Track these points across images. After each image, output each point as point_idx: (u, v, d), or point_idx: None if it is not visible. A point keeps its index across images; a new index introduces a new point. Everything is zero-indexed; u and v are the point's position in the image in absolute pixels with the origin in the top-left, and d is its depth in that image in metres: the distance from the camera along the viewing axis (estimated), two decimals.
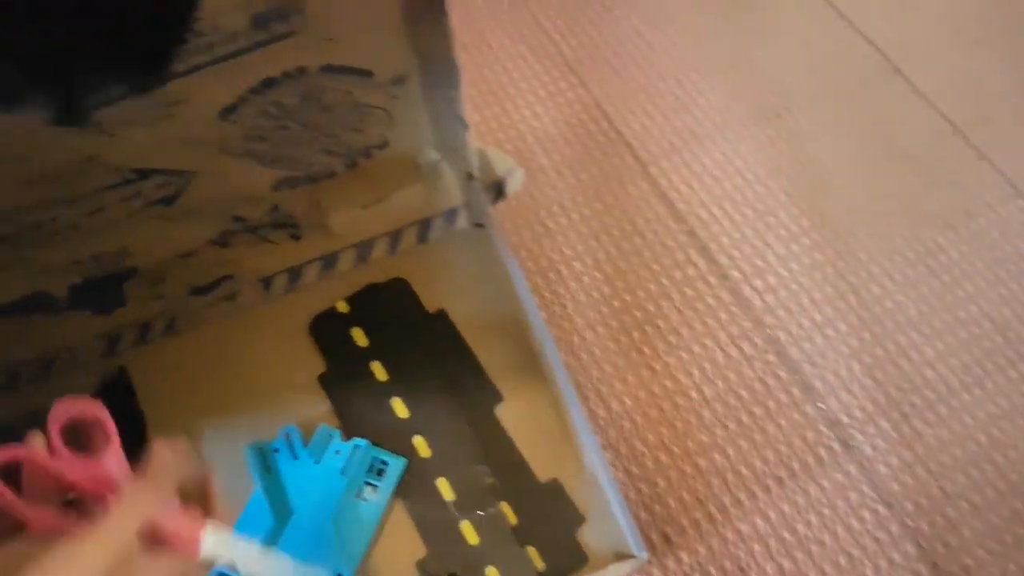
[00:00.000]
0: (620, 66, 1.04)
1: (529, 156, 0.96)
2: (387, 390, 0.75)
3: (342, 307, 0.80)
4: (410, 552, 0.68)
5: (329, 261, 0.84)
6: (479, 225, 0.81)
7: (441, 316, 0.79)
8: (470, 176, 0.78)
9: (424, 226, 0.85)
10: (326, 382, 0.76)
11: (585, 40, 1.08)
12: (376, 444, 0.72)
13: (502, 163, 0.80)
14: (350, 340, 0.78)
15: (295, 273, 0.84)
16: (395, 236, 0.85)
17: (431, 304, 0.80)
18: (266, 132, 0.73)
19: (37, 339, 0.80)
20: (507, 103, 1.01)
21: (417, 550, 0.68)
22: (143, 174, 0.71)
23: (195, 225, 0.81)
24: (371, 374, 0.76)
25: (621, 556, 0.63)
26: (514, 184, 0.80)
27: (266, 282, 0.83)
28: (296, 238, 0.86)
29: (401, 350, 0.77)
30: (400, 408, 0.74)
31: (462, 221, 0.85)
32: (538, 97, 1.02)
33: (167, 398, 0.75)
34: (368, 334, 0.78)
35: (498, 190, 0.81)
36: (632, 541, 0.61)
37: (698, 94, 1.01)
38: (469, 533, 0.69)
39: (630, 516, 0.62)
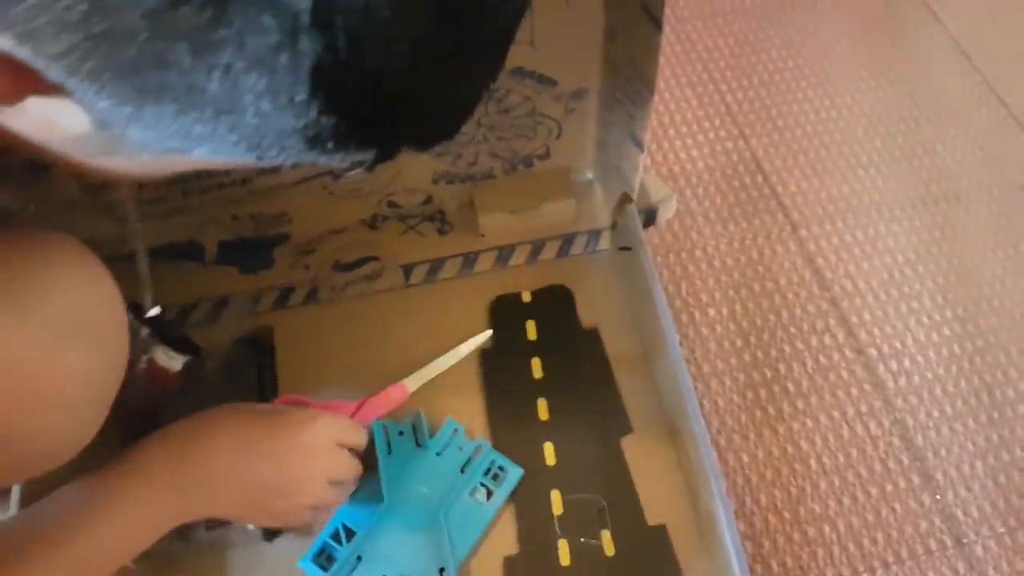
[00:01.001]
0: (783, 126, 1.05)
1: (678, 197, 0.97)
2: (538, 389, 0.77)
3: (526, 297, 0.83)
4: (502, 546, 0.69)
5: (469, 260, 0.86)
6: (625, 248, 0.82)
7: (594, 334, 0.81)
8: (628, 198, 0.80)
9: (567, 241, 0.87)
10: (486, 360, 0.79)
11: (751, 95, 1.09)
12: (510, 435, 0.74)
13: (657, 190, 0.82)
14: (523, 329, 0.81)
15: (436, 265, 0.86)
16: (537, 246, 0.87)
17: (585, 319, 0.82)
18: None
19: (179, 286, 0.84)
20: (663, 142, 1.03)
21: (510, 546, 0.69)
22: None
23: (353, 203, 0.84)
24: (529, 368, 0.78)
25: None
26: (666, 212, 0.81)
27: (407, 269, 0.86)
28: (442, 233, 0.89)
29: (560, 355, 0.79)
30: (543, 410, 0.76)
31: (604, 243, 0.87)
32: (695, 142, 1.03)
33: (301, 363, 0.79)
34: (538, 330, 0.81)
35: (649, 216, 0.82)
36: None
37: (860, 167, 1.01)
38: (564, 553, 0.69)
39: (747, 570, 0.61)
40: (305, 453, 0.60)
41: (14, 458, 0.42)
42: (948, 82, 1.13)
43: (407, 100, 0.32)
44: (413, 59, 0.30)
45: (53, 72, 0.28)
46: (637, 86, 0.68)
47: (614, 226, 0.87)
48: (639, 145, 0.73)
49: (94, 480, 0.53)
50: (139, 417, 0.62)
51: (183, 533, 0.69)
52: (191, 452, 0.56)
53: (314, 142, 0.31)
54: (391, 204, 0.86)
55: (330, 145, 0.31)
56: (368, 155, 0.34)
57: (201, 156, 0.32)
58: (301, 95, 0.28)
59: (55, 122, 0.33)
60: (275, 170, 0.77)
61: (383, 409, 0.73)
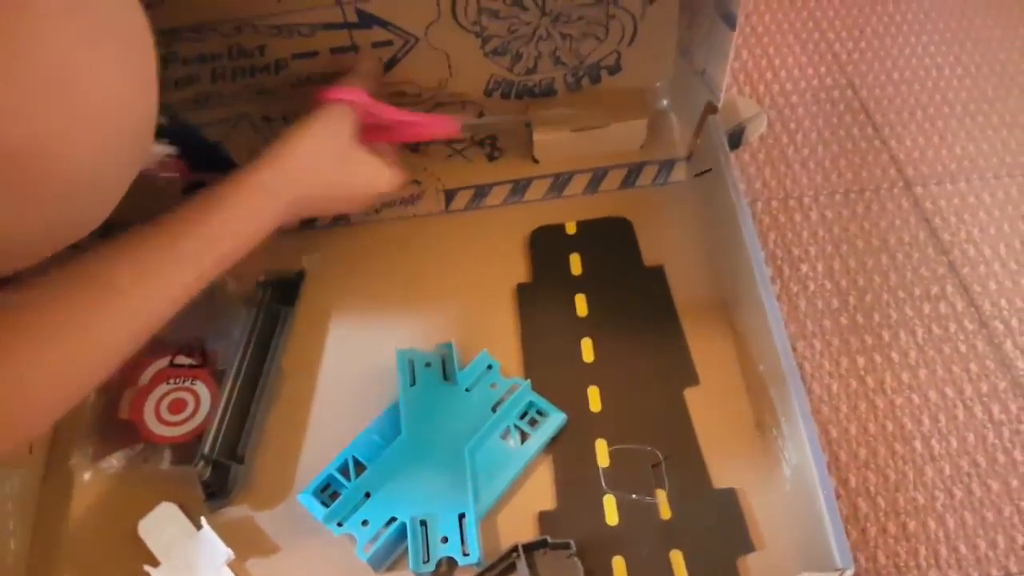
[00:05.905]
0: (900, 80, 0.96)
1: (773, 143, 0.89)
2: (582, 328, 0.70)
3: (570, 228, 0.77)
4: (537, 499, 0.61)
5: (519, 186, 0.80)
6: (704, 173, 0.74)
7: (658, 273, 0.73)
8: (712, 108, 0.72)
9: (633, 171, 0.80)
10: (523, 294, 0.73)
11: (864, 47, 1.00)
12: (547, 376, 0.67)
13: (746, 107, 0.74)
14: (566, 263, 0.74)
15: (481, 191, 0.80)
16: (598, 175, 0.80)
17: (649, 256, 0.74)
18: (502, 9, 0.70)
19: None
20: (761, 87, 0.95)
21: (545, 501, 0.61)
22: (366, 20, 0.69)
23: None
24: (572, 305, 0.72)
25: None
26: (755, 131, 0.73)
27: (449, 195, 0.80)
28: (492, 159, 0.83)
29: (612, 293, 0.72)
30: (587, 351, 0.69)
31: (678, 175, 0.79)
32: (797, 88, 0.95)
33: (330, 285, 0.74)
34: (584, 264, 0.74)
35: (735, 138, 0.74)
36: (838, 551, 0.51)
37: (990, 128, 0.91)
38: (610, 510, 0.61)
39: (846, 538, 0.52)
40: (369, 196, 0.67)
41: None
42: None
43: None
44: None
45: None
46: None
47: (689, 157, 0.80)
48: (730, 23, 0.65)
49: (207, 193, 0.56)
50: None
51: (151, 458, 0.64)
52: (299, 180, 0.61)
53: None
54: None
55: None
56: None
57: None
58: None
59: None
60: (312, 54, 0.72)
61: (429, 134, 0.73)
